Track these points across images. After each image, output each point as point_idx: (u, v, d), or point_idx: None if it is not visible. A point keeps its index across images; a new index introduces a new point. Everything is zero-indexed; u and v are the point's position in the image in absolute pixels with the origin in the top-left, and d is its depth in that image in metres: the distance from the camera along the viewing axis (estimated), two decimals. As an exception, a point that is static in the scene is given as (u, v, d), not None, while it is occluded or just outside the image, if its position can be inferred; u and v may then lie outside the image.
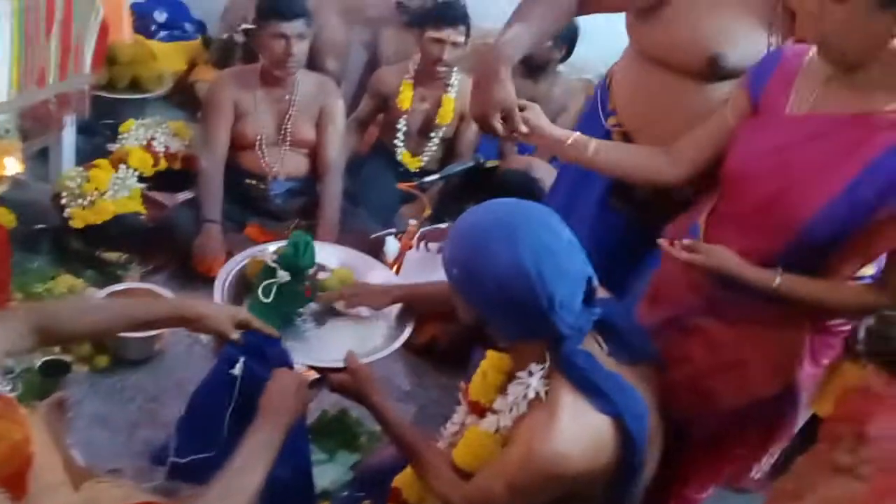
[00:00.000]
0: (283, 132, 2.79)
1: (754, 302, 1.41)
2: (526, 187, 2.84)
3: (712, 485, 1.77)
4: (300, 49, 2.65)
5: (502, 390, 1.35)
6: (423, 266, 2.41)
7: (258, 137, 2.76)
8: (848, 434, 1.17)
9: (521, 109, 1.57)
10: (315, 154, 2.86)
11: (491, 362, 1.42)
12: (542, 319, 1.20)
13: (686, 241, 1.43)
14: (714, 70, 1.57)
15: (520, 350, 1.30)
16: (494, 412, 1.32)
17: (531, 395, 1.24)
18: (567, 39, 3.28)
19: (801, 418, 1.60)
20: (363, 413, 2.20)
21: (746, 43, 1.52)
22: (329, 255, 2.01)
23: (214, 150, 2.72)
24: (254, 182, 2.81)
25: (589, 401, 1.20)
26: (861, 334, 1.27)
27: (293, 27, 2.59)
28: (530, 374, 1.26)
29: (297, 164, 2.85)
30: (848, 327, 1.47)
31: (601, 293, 1.31)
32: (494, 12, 3.63)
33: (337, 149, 2.85)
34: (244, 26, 3.41)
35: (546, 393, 1.23)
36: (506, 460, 1.24)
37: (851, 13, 1.22)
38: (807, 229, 1.32)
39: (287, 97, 2.76)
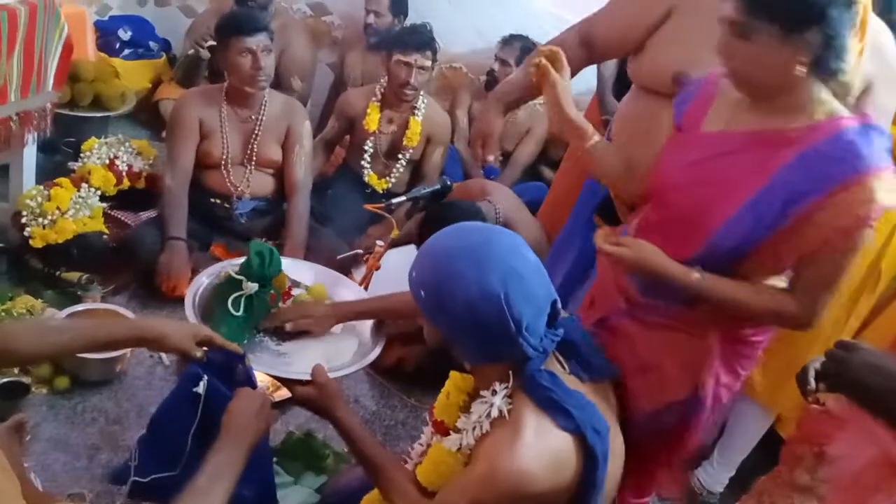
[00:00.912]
0: (248, 152, 2.78)
1: (669, 307, 1.51)
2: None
3: (650, 491, 1.83)
4: (268, 63, 2.66)
5: (465, 410, 1.37)
6: (392, 286, 2.41)
7: (223, 157, 2.75)
8: (808, 454, 1.21)
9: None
10: (281, 174, 2.86)
11: (454, 382, 1.43)
12: (509, 342, 1.22)
13: (615, 238, 1.51)
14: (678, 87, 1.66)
15: (484, 370, 1.32)
16: (458, 431, 1.34)
17: (494, 413, 1.26)
18: None
19: (709, 428, 1.66)
20: (329, 435, 2.20)
21: (710, 65, 1.58)
22: (301, 272, 2.02)
23: (179, 168, 2.70)
24: (219, 201, 2.80)
25: (551, 418, 1.22)
26: (810, 374, 1.31)
27: (258, 41, 2.61)
28: (494, 393, 1.28)
29: (262, 183, 2.84)
30: (760, 338, 1.55)
31: (562, 313, 1.34)
32: (462, 38, 3.74)
33: (304, 169, 2.85)
34: (210, 42, 3.40)
35: (509, 411, 1.25)
36: (469, 478, 1.25)
37: (756, 50, 1.32)
38: (716, 237, 1.41)
39: (253, 117, 2.76)
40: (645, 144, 1.68)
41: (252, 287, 1.82)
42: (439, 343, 1.31)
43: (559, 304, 1.29)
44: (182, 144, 2.71)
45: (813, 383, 1.30)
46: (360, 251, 2.84)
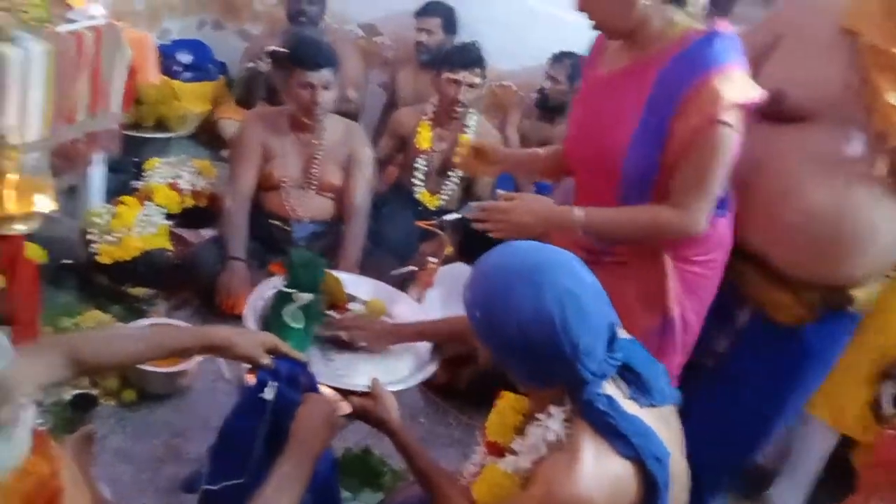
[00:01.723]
0: (308, 176, 2.82)
1: (617, 247, 1.65)
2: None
3: None
4: (326, 98, 2.70)
5: (520, 431, 1.35)
6: (445, 303, 2.43)
7: (284, 180, 2.80)
8: (884, 481, 1.17)
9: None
10: (340, 198, 2.90)
11: (508, 402, 1.41)
12: (565, 366, 1.19)
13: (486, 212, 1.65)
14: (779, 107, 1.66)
15: (538, 393, 1.30)
16: (513, 453, 1.32)
17: (551, 437, 1.23)
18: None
19: (681, 350, 1.72)
20: (387, 452, 2.21)
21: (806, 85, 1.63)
22: (359, 287, 2.05)
23: (240, 190, 2.76)
24: (278, 223, 2.85)
25: (610, 444, 1.19)
26: (885, 399, 1.29)
27: (319, 76, 2.65)
28: (550, 416, 1.25)
29: (321, 207, 2.88)
30: (708, 256, 1.64)
31: (622, 334, 1.31)
32: (511, 56, 3.75)
33: (364, 194, 2.89)
34: (270, 48, 3.47)
35: (566, 436, 1.22)
36: (525, 502, 1.23)
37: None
38: (625, 167, 1.56)
39: (315, 142, 2.80)
40: (771, 174, 1.66)
41: (306, 297, 1.85)
42: (493, 365, 1.29)
43: (618, 328, 1.26)
44: (244, 166, 2.77)
45: (889, 409, 1.27)
46: (414, 268, 2.87)
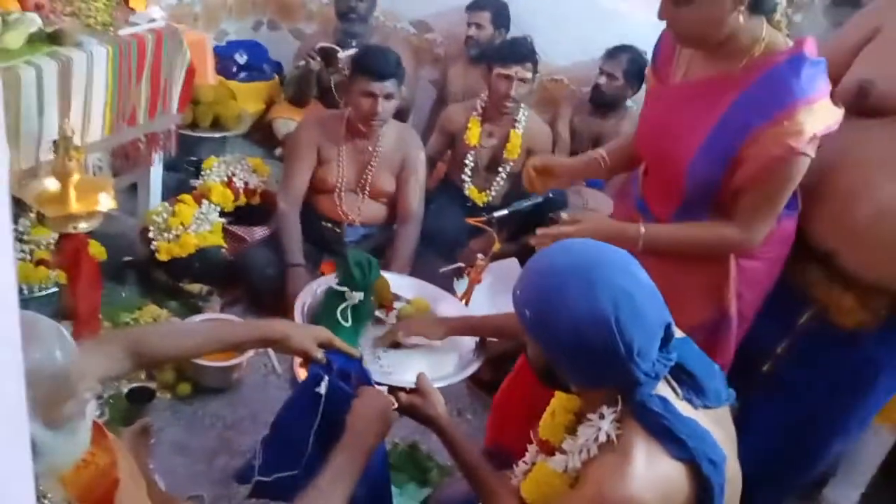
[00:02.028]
0: (362, 181, 2.84)
1: None
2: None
3: None
4: (386, 108, 2.68)
5: (571, 430, 1.34)
6: (491, 300, 2.42)
7: (338, 185, 2.82)
8: None
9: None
10: (392, 203, 2.92)
11: (560, 402, 1.40)
12: (618, 366, 1.17)
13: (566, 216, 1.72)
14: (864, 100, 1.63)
15: (590, 393, 1.28)
16: (563, 452, 1.30)
17: (602, 438, 1.21)
18: (637, 75, 3.28)
19: (733, 346, 1.71)
20: (433, 447, 2.22)
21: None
22: (404, 286, 2.06)
23: (293, 192, 2.79)
24: (330, 225, 2.88)
25: (663, 446, 1.17)
26: None
27: (382, 87, 2.63)
28: (601, 416, 1.23)
29: (374, 212, 2.90)
30: (771, 254, 1.64)
31: (677, 334, 1.29)
32: (563, 50, 3.71)
33: (418, 199, 2.89)
34: (321, 45, 3.51)
35: (618, 437, 1.20)
36: (575, 502, 1.22)
37: (698, 11, 1.46)
38: (687, 179, 1.58)
39: (370, 148, 2.80)
40: (845, 170, 1.62)
41: (357, 296, 1.87)
42: (544, 365, 1.27)
43: (673, 328, 1.23)
44: (298, 168, 2.79)
45: None
46: (462, 265, 2.87)
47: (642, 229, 1.61)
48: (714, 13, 1.47)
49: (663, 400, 1.20)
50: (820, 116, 1.47)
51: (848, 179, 1.60)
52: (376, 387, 1.55)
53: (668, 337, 1.21)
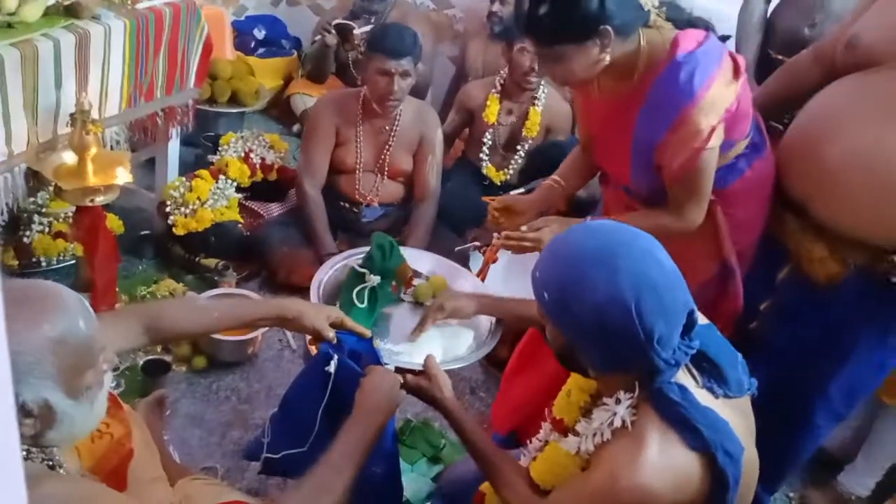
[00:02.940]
0: (381, 161, 2.82)
1: None
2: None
3: None
4: (402, 86, 2.65)
5: (586, 411, 1.33)
6: (506, 279, 2.41)
7: (356, 165, 2.81)
8: None
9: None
10: (410, 182, 2.90)
11: (576, 382, 1.39)
12: (638, 352, 1.15)
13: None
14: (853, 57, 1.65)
15: (608, 378, 1.26)
16: (577, 433, 1.29)
17: (617, 423, 1.20)
18: None
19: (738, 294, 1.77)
20: (446, 424, 2.22)
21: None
22: (420, 262, 2.06)
23: (316, 175, 2.78)
24: (347, 205, 2.87)
25: (679, 435, 1.15)
26: None
27: (398, 65, 2.60)
28: (617, 401, 1.21)
29: (391, 191, 2.89)
30: (749, 199, 1.72)
31: (701, 320, 1.26)
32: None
33: (435, 177, 2.88)
34: (336, 21, 3.49)
35: (633, 423, 1.19)
36: (585, 486, 1.21)
37: (569, 65, 1.57)
38: (633, 183, 1.73)
39: (387, 128, 2.78)
40: (819, 116, 1.63)
41: (375, 280, 1.87)
42: (563, 347, 1.26)
43: (696, 315, 1.20)
44: (317, 150, 2.77)
45: None
46: (478, 243, 2.85)
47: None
48: (585, 61, 1.56)
49: (682, 388, 1.18)
50: (713, 108, 1.54)
51: (820, 127, 1.59)
52: (385, 366, 1.55)
53: (690, 324, 1.19)
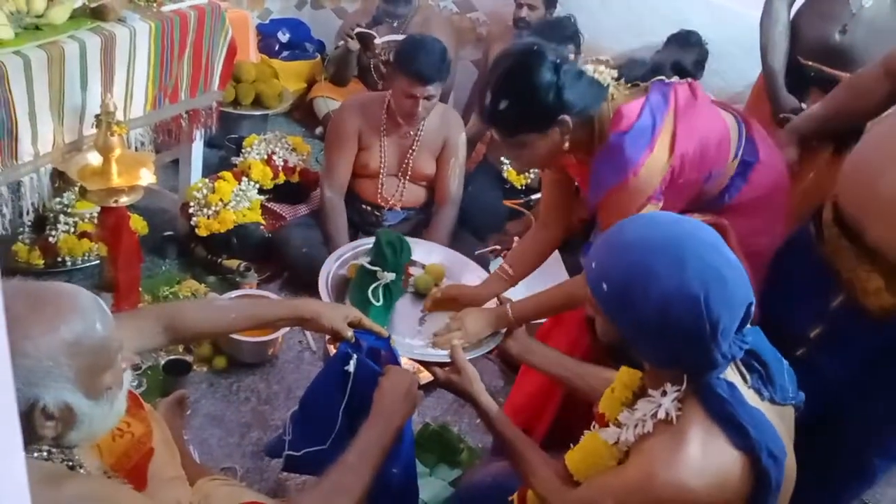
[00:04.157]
0: (404, 166, 2.82)
1: None
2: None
3: None
4: (427, 107, 2.64)
5: (628, 406, 1.30)
6: (526, 284, 2.39)
7: (380, 169, 2.81)
8: None
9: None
10: (432, 185, 2.90)
11: (621, 378, 1.36)
12: (700, 346, 1.12)
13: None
14: None
15: (658, 371, 1.23)
16: (618, 424, 1.26)
17: (661, 415, 1.17)
18: (696, 67, 3.19)
19: None
20: (464, 429, 2.22)
21: None
22: (433, 254, 2.05)
23: (338, 180, 2.78)
24: (369, 209, 2.88)
25: (723, 432, 1.12)
26: None
27: (424, 90, 2.58)
28: (664, 393, 1.18)
29: (414, 195, 2.89)
30: (759, 220, 1.75)
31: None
32: (609, 29, 3.62)
33: (458, 182, 2.87)
34: (358, 30, 3.50)
35: (677, 417, 1.16)
36: (621, 479, 1.18)
37: (532, 150, 1.62)
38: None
39: (411, 133, 2.78)
40: (877, 137, 1.58)
41: (389, 277, 1.87)
42: (616, 340, 1.22)
43: (753, 307, 1.16)
44: (340, 155, 2.77)
45: None
46: (498, 247, 2.85)
47: (510, 311, 1.77)
48: (547, 147, 1.61)
49: (731, 385, 1.15)
50: (640, 188, 1.58)
51: (882, 152, 1.52)
52: (404, 365, 1.55)
53: (746, 317, 1.15)
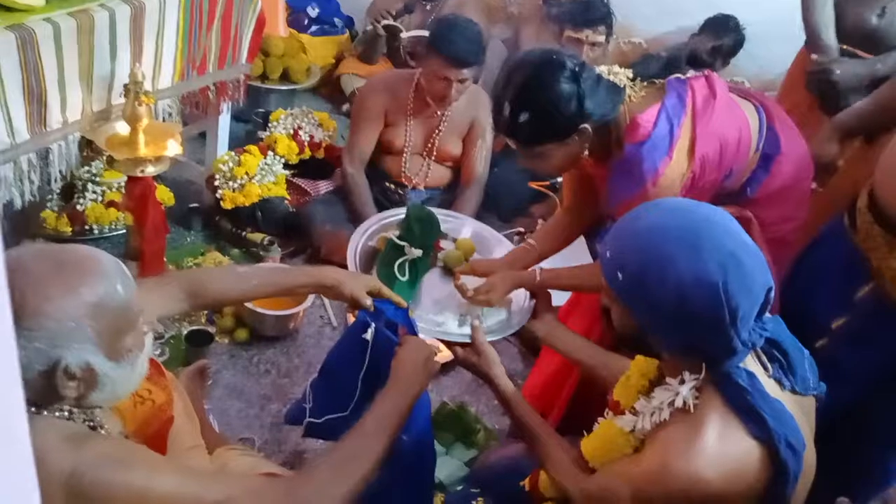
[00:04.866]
0: (429, 145, 2.80)
1: None
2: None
3: None
4: (459, 90, 2.60)
5: (645, 394, 1.29)
6: (550, 265, 2.37)
7: (405, 148, 2.79)
8: None
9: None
10: (458, 166, 2.87)
11: (637, 366, 1.36)
12: (718, 334, 1.10)
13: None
14: None
15: (676, 360, 1.21)
16: (635, 412, 1.25)
17: (678, 403, 1.16)
18: (732, 52, 3.13)
19: None
20: (481, 409, 2.22)
21: None
22: (458, 227, 2.04)
23: (358, 155, 2.77)
24: (393, 187, 2.87)
25: (741, 422, 1.11)
26: None
27: (459, 74, 2.53)
28: (682, 381, 1.17)
29: (439, 175, 2.87)
30: (784, 212, 1.75)
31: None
32: (642, 11, 3.56)
33: (484, 163, 2.84)
34: (385, 23, 3.49)
35: (694, 406, 1.14)
36: (637, 467, 1.17)
37: (552, 160, 1.60)
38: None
39: (438, 112, 2.74)
40: None
41: (416, 253, 1.86)
42: (632, 329, 1.21)
43: (773, 293, 1.14)
44: (364, 132, 2.76)
45: None
46: (522, 229, 2.83)
47: (538, 274, 1.76)
48: (566, 155, 1.59)
49: (750, 375, 1.14)
50: (663, 192, 1.55)
51: None
52: (421, 336, 1.55)
53: (766, 302, 1.14)
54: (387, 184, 2.86)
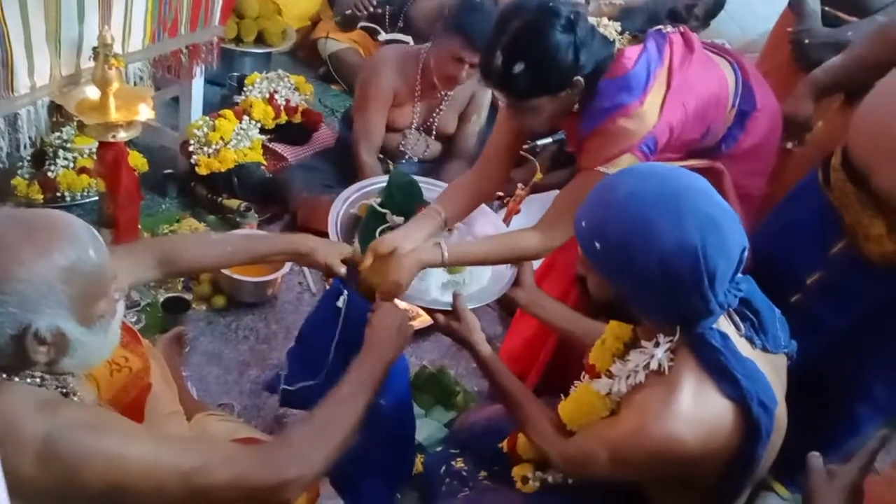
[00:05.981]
0: (429, 123, 2.79)
1: None
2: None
3: None
4: (470, 73, 2.54)
5: (620, 358, 1.30)
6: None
7: (405, 126, 2.78)
8: None
9: None
10: (450, 139, 2.86)
11: (612, 330, 1.37)
12: (697, 297, 1.11)
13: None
14: None
15: (651, 323, 1.23)
16: (610, 375, 1.27)
17: (654, 365, 1.17)
18: (712, 16, 3.09)
19: None
20: (460, 372, 2.24)
21: None
22: (440, 193, 2.02)
23: (374, 143, 2.73)
24: (384, 157, 2.84)
25: (715, 383, 1.13)
26: None
27: (474, 57, 2.43)
28: (656, 344, 1.19)
29: (433, 149, 2.88)
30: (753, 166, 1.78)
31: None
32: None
33: (475, 139, 2.83)
34: (362, 24, 3.48)
35: (669, 367, 1.16)
36: (614, 429, 1.20)
37: (542, 115, 1.56)
38: None
39: (441, 93, 2.73)
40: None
41: (397, 220, 1.84)
42: (610, 297, 1.22)
43: (746, 252, 1.15)
44: (376, 117, 2.70)
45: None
46: (500, 193, 2.81)
47: (445, 252, 1.57)
48: (558, 108, 1.56)
49: (723, 335, 1.16)
50: (619, 136, 1.52)
51: (891, 98, 1.49)
52: (403, 306, 1.55)
53: (740, 262, 1.15)
54: (379, 156, 2.83)
